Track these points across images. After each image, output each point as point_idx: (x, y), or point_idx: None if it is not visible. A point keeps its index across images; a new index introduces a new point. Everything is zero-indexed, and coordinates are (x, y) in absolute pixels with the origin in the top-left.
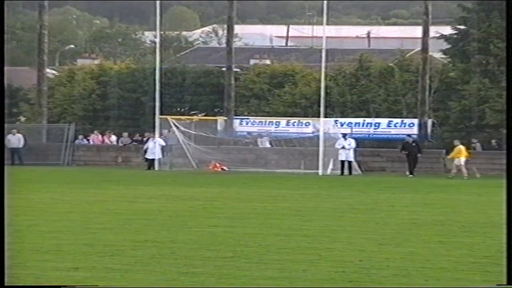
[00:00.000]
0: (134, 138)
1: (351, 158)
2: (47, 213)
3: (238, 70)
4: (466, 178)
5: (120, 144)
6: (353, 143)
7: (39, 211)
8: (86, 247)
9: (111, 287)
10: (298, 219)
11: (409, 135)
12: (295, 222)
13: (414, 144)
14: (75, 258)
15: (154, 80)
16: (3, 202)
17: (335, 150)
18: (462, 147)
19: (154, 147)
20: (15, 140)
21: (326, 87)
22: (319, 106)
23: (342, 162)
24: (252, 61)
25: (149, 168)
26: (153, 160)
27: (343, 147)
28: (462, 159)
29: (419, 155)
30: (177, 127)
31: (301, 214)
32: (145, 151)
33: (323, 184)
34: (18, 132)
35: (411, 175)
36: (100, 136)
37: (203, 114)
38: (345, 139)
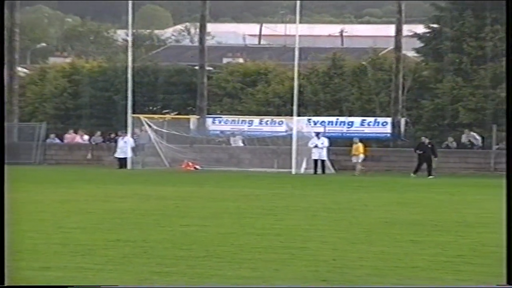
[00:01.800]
0: (107, 137)
1: (324, 157)
2: (18, 213)
3: (211, 68)
4: (357, 175)
5: (92, 143)
6: (326, 141)
7: (10, 211)
8: (58, 246)
9: (113, 286)
10: (271, 218)
11: (425, 136)
12: (268, 221)
13: (429, 145)
14: (47, 257)
15: (126, 78)
16: (3, 202)
17: (309, 149)
18: (360, 145)
19: (125, 146)
20: None
21: (299, 85)
22: (292, 104)
23: (315, 161)
24: (225, 60)
25: (121, 167)
26: (124, 159)
27: (316, 146)
28: (361, 156)
29: (434, 158)
30: (150, 126)
31: (274, 213)
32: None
33: (297, 183)
34: None
35: (414, 175)
36: (74, 135)
37: (176, 113)
38: (318, 137)
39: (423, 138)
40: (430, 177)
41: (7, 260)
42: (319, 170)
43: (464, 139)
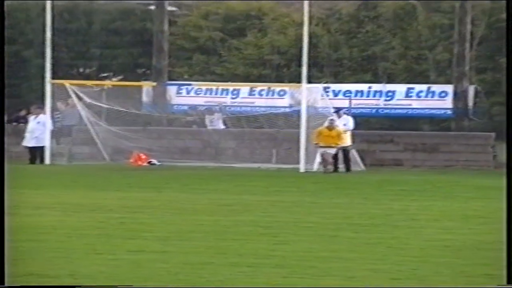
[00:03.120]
0: (14, 116)
1: (348, 145)
2: None
3: (175, 9)
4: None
5: None
6: (351, 122)
7: None
8: None
9: (120, 286)
10: (267, 240)
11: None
12: (263, 245)
13: None
14: None
15: (44, 24)
16: (3, 202)
17: None
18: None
19: (39, 129)
20: None
21: (312, 35)
22: (300, 65)
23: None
24: None
25: (33, 162)
26: (38, 148)
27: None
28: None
29: None
30: (80, 98)
31: (273, 232)
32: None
33: (307, 186)
34: None
35: None
36: None
37: (120, 77)
38: (339, 116)
39: None
40: None
41: None
42: (341, 166)
43: None
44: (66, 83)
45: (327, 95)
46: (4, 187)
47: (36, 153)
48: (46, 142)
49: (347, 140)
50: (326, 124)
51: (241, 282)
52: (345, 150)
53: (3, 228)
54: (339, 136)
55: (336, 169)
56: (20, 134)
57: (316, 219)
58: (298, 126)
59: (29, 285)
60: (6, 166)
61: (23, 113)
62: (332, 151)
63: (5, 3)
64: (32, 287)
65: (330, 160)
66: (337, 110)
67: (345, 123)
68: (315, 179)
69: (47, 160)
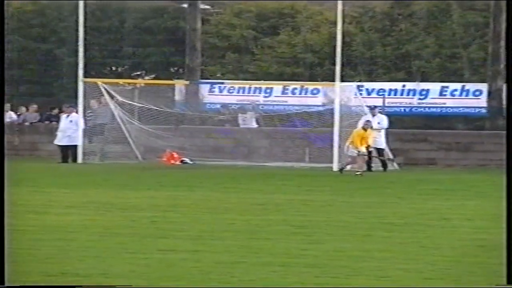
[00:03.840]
0: (46, 114)
1: (383, 145)
2: None
3: (207, 7)
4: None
5: (23, 122)
6: (385, 121)
7: None
8: None
9: (120, 286)
10: (300, 240)
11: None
12: (295, 244)
13: None
14: None
15: (76, 22)
16: (3, 202)
17: None
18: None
19: (71, 127)
20: None
21: (345, 34)
22: (333, 63)
23: (369, 151)
24: None
25: (65, 161)
26: (70, 147)
27: (370, 128)
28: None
29: None
30: (112, 97)
31: (305, 232)
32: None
33: (340, 185)
34: None
35: None
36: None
37: (153, 76)
38: (374, 114)
39: None
40: None
41: None
42: (374, 165)
43: None
44: (99, 81)
45: (361, 94)
46: (4, 187)
47: (68, 152)
48: (79, 141)
49: (381, 139)
50: (361, 124)
51: (273, 282)
52: (380, 149)
53: (3, 228)
54: (371, 136)
55: (369, 168)
56: (52, 133)
57: (349, 219)
58: (331, 125)
59: (29, 285)
60: (38, 165)
61: (55, 111)
62: (364, 151)
63: (38, 1)
64: (32, 287)
65: (360, 161)
66: (372, 109)
67: (379, 122)
68: (348, 178)
69: (79, 159)
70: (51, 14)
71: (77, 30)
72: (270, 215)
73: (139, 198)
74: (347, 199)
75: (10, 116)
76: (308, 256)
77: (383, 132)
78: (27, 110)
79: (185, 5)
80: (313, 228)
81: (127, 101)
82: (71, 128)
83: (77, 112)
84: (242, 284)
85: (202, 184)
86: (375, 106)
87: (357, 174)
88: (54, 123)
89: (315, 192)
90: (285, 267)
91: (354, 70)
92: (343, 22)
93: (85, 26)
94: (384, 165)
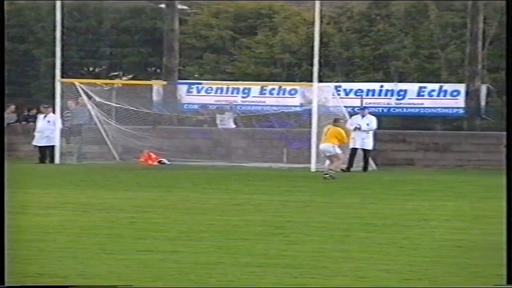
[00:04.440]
0: (25, 113)
1: (370, 146)
2: None
3: (185, 7)
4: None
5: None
6: (374, 122)
7: None
8: None
9: (120, 286)
10: (278, 240)
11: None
12: (273, 245)
13: None
14: None
15: (54, 22)
16: (3, 202)
17: None
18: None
19: (49, 128)
20: None
21: (323, 34)
22: (311, 64)
23: (354, 151)
24: None
25: (42, 161)
26: (48, 148)
27: (358, 128)
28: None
29: None
30: (89, 97)
31: (284, 232)
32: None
33: (318, 186)
34: None
35: None
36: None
37: (130, 76)
38: (363, 115)
39: None
40: None
41: None
42: (355, 165)
43: None
44: (76, 82)
45: (339, 94)
46: (4, 187)
47: (46, 152)
48: (56, 141)
49: (369, 140)
50: (350, 125)
51: (252, 282)
52: (366, 150)
53: (3, 228)
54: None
55: (349, 168)
56: (29, 133)
57: (328, 219)
58: (309, 125)
59: (29, 285)
60: (16, 166)
61: (32, 112)
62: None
63: (16, 2)
64: (32, 287)
65: (337, 161)
66: (362, 109)
67: (369, 123)
68: (326, 179)
69: (57, 160)
70: (28, 15)
71: (54, 31)
72: (248, 216)
73: (117, 199)
74: (325, 199)
75: None
76: (286, 256)
77: (371, 134)
78: (6, 110)
79: (163, 6)
80: (292, 228)
81: (104, 102)
82: (48, 128)
83: (54, 113)
84: (220, 285)
85: (180, 185)
86: (365, 107)
87: (326, 176)
88: (31, 123)
89: (294, 193)
90: (264, 267)
91: (332, 71)
92: (321, 22)
93: (62, 27)
94: (366, 166)
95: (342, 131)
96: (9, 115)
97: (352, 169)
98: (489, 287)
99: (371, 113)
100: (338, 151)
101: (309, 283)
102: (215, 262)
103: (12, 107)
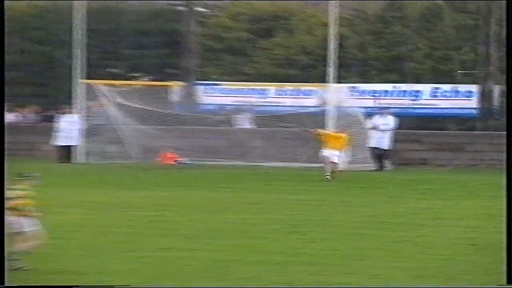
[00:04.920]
0: (43, 114)
1: (385, 146)
2: None
3: (204, 10)
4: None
5: (21, 123)
6: (392, 122)
7: None
8: None
9: (120, 286)
10: (295, 238)
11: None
12: (290, 243)
13: None
14: None
15: (74, 25)
16: (3, 201)
17: (357, 133)
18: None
19: (69, 128)
20: None
21: (339, 36)
22: (327, 65)
23: (373, 150)
24: None
25: (62, 160)
26: (68, 147)
27: (375, 128)
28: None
29: None
30: (109, 98)
31: (300, 231)
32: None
33: (334, 185)
34: None
35: None
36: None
37: (149, 77)
38: (382, 115)
39: None
40: None
41: None
42: (368, 164)
43: None
44: (97, 83)
45: (354, 95)
46: (4, 187)
47: (66, 152)
48: (77, 141)
49: (385, 140)
50: (370, 124)
51: (269, 280)
52: (383, 150)
53: (3, 229)
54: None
55: (381, 168)
56: (49, 133)
57: (343, 218)
58: (325, 126)
59: (29, 285)
60: (36, 165)
61: (53, 112)
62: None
63: (37, 3)
64: (32, 287)
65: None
66: (382, 109)
67: (386, 123)
68: (341, 178)
69: (77, 159)
70: (50, 17)
71: (74, 32)
72: (265, 214)
73: (136, 198)
74: (341, 198)
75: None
76: (303, 254)
77: (388, 134)
78: (27, 111)
79: (182, 8)
80: (308, 227)
81: (124, 102)
82: (69, 128)
83: (75, 113)
84: (237, 282)
85: (198, 184)
86: (386, 107)
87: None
88: (52, 123)
89: (310, 192)
90: (280, 265)
91: (347, 72)
92: (337, 24)
93: (82, 29)
94: (381, 166)
95: (346, 138)
96: (29, 114)
97: (365, 169)
98: (489, 287)
99: (391, 114)
100: (341, 159)
101: (325, 280)
102: (232, 259)
103: (34, 107)
